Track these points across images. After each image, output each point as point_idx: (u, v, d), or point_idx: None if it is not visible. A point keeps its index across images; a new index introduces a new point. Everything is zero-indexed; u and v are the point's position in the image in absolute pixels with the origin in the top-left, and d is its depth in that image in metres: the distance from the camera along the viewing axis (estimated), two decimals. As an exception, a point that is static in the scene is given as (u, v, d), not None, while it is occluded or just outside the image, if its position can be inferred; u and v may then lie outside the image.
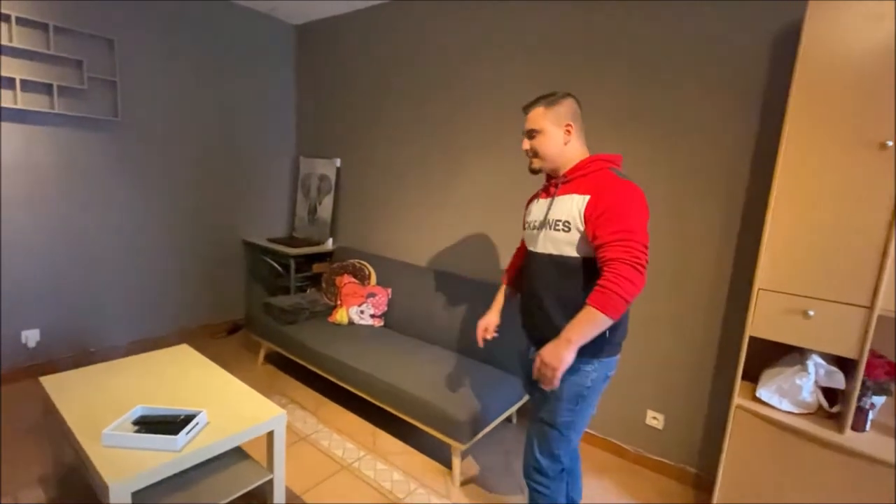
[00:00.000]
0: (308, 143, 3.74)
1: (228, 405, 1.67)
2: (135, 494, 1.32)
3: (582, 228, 1.29)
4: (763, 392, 1.64)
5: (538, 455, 1.45)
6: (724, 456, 1.68)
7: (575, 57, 2.27)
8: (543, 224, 1.40)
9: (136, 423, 1.50)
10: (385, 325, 2.92)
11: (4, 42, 2.32)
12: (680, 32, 1.98)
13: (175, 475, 1.56)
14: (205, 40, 3.13)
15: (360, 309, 2.87)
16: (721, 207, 1.96)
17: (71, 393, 1.68)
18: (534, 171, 1.45)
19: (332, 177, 3.53)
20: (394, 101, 3.09)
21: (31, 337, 2.60)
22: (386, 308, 2.93)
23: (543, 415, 1.42)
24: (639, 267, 1.19)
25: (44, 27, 2.44)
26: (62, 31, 2.50)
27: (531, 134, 1.40)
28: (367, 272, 3.05)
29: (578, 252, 1.31)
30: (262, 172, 3.62)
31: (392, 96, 3.10)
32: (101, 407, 1.59)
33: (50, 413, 1.71)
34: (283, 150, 3.75)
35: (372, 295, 2.91)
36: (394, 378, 2.21)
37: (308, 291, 3.34)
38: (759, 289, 1.58)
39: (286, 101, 3.72)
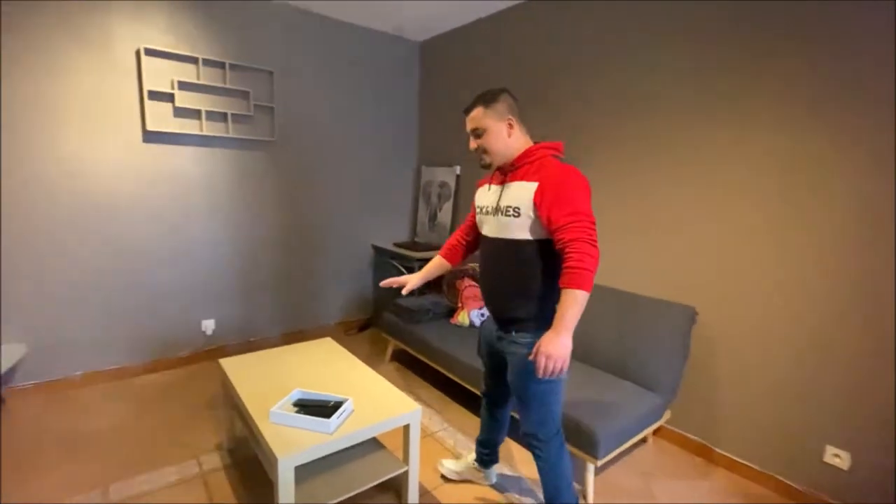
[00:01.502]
0: (429, 152, 3.90)
1: (369, 396, 1.78)
2: (296, 469, 1.46)
3: (532, 214, 1.40)
4: None
5: (530, 426, 1.55)
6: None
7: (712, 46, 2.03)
8: (496, 210, 1.50)
9: (295, 404, 1.67)
10: (506, 330, 2.89)
11: (194, 80, 2.82)
12: None
13: (323, 457, 1.71)
14: (341, 64, 3.46)
15: (481, 312, 2.88)
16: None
17: (243, 373, 1.94)
18: (486, 167, 1.54)
19: (452, 184, 3.63)
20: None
21: (208, 326, 3.10)
22: (507, 312, 2.90)
23: (524, 392, 1.52)
24: (594, 243, 1.33)
25: (221, 65, 2.91)
26: (235, 67, 2.96)
27: (476, 133, 1.49)
28: (487, 276, 3.05)
29: (532, 234, 1.42)
30: (387, 182, 3.87)
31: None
32: (266, 387, 1.81)
33: (225, 389, 2.00)
34: (406, 160, 3.97)
35: (493, 299, 2.90)
36: (520, 383, 2.16)
37: (431, 294, 3.46)
38: None
39: (410, 114, 3.93)
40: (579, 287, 1.28)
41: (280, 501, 1.42)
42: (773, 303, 1.97)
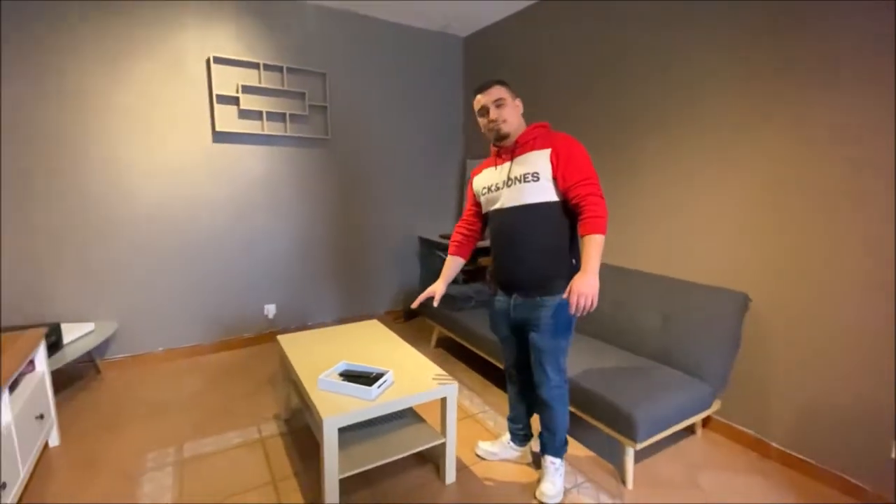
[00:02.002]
0: (474, 145, 3.97)
1: (409, 371, 1.88)
2: (340, 430, 1.59)
3: (550, 175, 1.56)
4: None
5: (552, 374, 1.70)
6: None
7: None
8: (508, 181, 1.63)
9: (341, 374, 1.81)
10: (548, 318, 2.89)
11: (256, 84, 3.08)
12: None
13: (367, 426, 1.83)
14: (388, 62, 3.61)
15: (523, 300, 2.90)
16: None
17: (297, 348, 2.11)
18: (503, 137, 1.65)
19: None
20: (558, 100, 3.06)
21: (270, 310, 3.36)
22: (549, 301, 2.90)
23: (548, 346, 1.66)
24: (602, 196, 1.53)
25: (280, 69, 3.15)
26: (292, 70, 3.19)
27: (499, 103, 1.62)
28: (530, 265, 3.07)
29: (557, 196, 1.58)
30: (433, 175, 3.98)
31: (556, 95, 3.07)
32: (317, 360, 1.96)
33: (282, 362, 2.19)
34: (451, 154, 4.06)
35: (535, 287, 2.91)
36: (559, 367, 2.17)
37: (474, 283, 3.53)
38: None
39: (455, 109, 4.02)
40: (601, 232, 1.48)
41: (325, 458, 1.55)
42: (834, 288, 1.84)
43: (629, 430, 1.79)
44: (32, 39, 2.47)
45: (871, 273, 1.74)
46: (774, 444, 2.06)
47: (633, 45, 2.54)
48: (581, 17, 2.84)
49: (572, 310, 1.43)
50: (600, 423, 1.93)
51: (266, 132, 3.14)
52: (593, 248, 1.47)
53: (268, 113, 3.14)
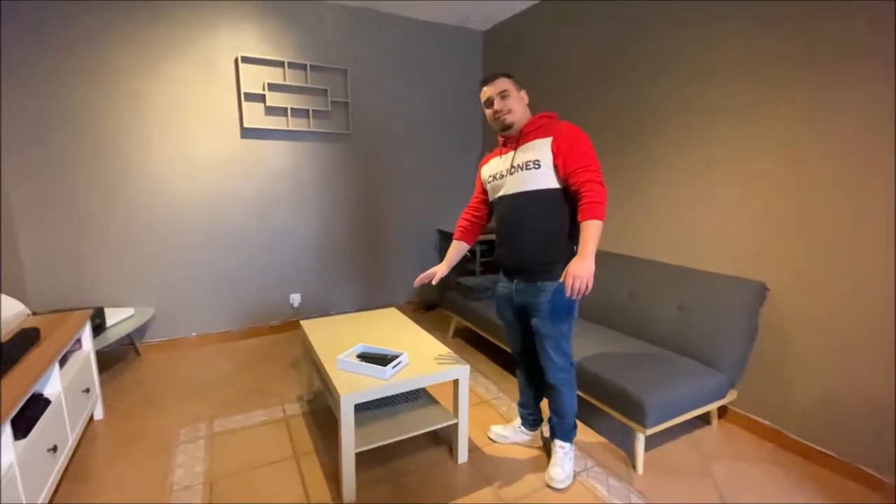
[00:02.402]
0: (492, 138, 3.98)
1: (424, 355, 1.95)
2: (357, 409, 1.68)
3: (551, 163, 1.60)
4: None
5: (556, 358, 1.74)
6: None
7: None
8: (512, 169, 1.69)
9: (358, 356, 1.90)
10: (565, 309, 2.92)
11: (281, 81, 3.20)
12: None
13: (383, 406, 1.92)
14: (408, 58, 3.68)
15: (539, 290, 2.93)
16: None
17: (319, 332, 2.22)
18: (508, 127, 1.70)
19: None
20: (575, 91, 3.07)
21: (295, 299, 3.50)
22: (566, 291, 2.92)
23: (550, 331, 1.70)
24: (603, 183, 1.56)
25: (303, 67, 3.27)
26: (315, 67, 3.30)
27: (504, 94, 1.68)
28: (547, 256, 3.10)
29: (558, 183, 1.63)
30: (452, 168, 4.03)
31: (573, 86, 3.08)
32: (337, 343, 2.06)
33: (304, 345, 2.30)
34: (470, 147, 4.10)
35: (551, 278, 2.94)
36: (574, 356, 2.20)
37: (492, 273, 3.57)
38: None
39: (474, 102, 4.05)
40: (598, 217, 1.52)
41: (342, 433, 1.64)
42: (855, 277, 1.80)
43: (639, 415, 1.82)
44: (77, 38, 2.65)
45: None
46: (792, 436, 2.04)
47: (652, 35, 2.53)
48: (599, 9, 2.84)
49: (568, 292, 1.47)
50: (611, 408, 1.96)
51: (291, 128, 3.26)
52: (591, 233, 1.50)
53: (292, 109, 3.26)
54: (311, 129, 3.34)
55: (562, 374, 1.77)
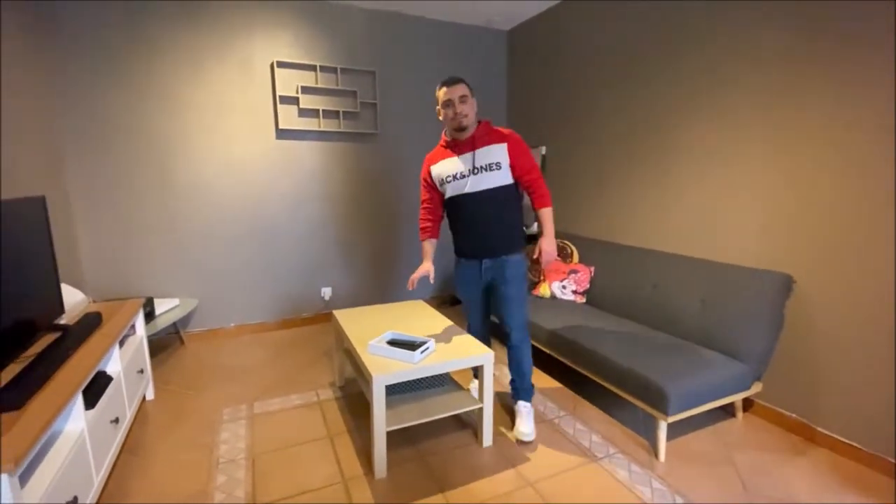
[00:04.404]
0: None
1: (451, 342, 2.05)
2: (387, 392, 1.78)
3: (508, 164, 1.95)
4: None
5: (518, 317, 2.10)
6: None
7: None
8: (474, 170, 1.96)
9: (388, 342, 2.00)
10: (587, 303, 2.96)
11: (313, 84, 3.35)
12: None
13: (412, 390, 2.02)
14: (434, 59, 3.78)
15: (562, 284, 2.99)
16: None
17: (351, 321, 2.34)
18: (463, 129, 1.95)
19: (538, 163, 3.74)
20: (598, 87, 3.10)
21: (327, 292, 3.66)
22: (588, 286, 2.96)
23: (514, 293, 2.05)
24: (543, 179, 2.02)
25: (334, 70, 3.41)
26: (345, 70, 3.45)
27: (464, 99, 1.91)
28: (569, 251, 3.14)
29: (507, 181, 1.97)
30: (478, 166, 4.10)
31: (596, 82, 3.11)
32: (368, 330, 2.17)
33: (337, 333, 2.42)
34: (495, 146, 4.16)
35: (574, 272, 2.98)
36: (596, 346, 2.25)
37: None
38: None
39: (499, 100, 4.13)
40: (549, 205, 2.01)
41: (374, 412, 1.74)
42: (886, 268, 1.79)
43: (661, 402, 1.85)
44: (122, 48, 2.87)
45: (923, 251, 1.69)
46: (820, 429, 2.03)
47: (677, 26, 2.54)
48: (622, 6, 2.86)
49: (543, 265, 1.99)
50: (633, 397, 2.00)
51: (322, 129, 3.42)
52: (548, 218, 2.00)
53: (324, 111, 3.41)
54: (342, 130, 3.49)
55: (522, 333, 2.12)
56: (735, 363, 2.06)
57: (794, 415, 2.13)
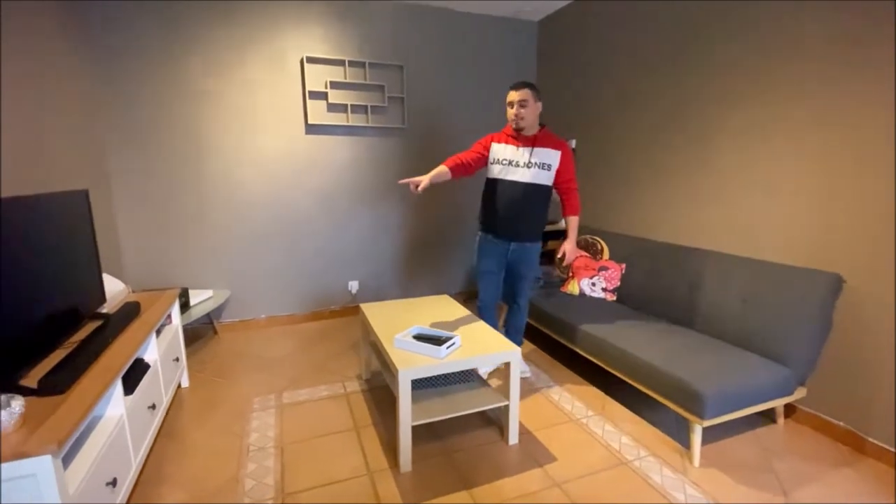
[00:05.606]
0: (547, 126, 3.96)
1: (476, 338, 2.03)
2: (413, 387, 1.77)
3: (556, 169, 2.30)
4: None
5: (527, 290, 2.50)
6: None
7: None
8: (529, 164, 2.27)
9: (415, 336, 2.00)
10: (618, 301, 2.88)
11: (342, 79, 3.37)
12: None
13: (437, 385, 2.01)
14: (463, 52, 3.74)
15: (591, 281, 2.91)
16: None
17: (377, 315, 2.35)
18: (520, 129, 2.28)
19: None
20: (630, 77, 2.99)
21: (353, 286, 3.69)
22: (619, 283, 2.88)
23: (529, 273, 2.45)
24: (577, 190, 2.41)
25: (362, 64, 3.42)
26: (373, 65, 3.45)
27: (523, 103, 2.22)
28: (599, 247, 3.06)
29: (550, 182, 2.32)
30: (505, 161, 4.05)
31: (629, 72, 3.00)
32: (394, 324, 2.18)
33: (364, 326, 2.44)
34: (524, 139, 4.10)
35: (604, 269, 2.90)
36: (627, 345, 2.19)
37: (542, 265, 3.57)
38: None
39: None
40: (578, 214, 2.41)
41: (400, 406, 1.74)
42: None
43: (696, 405, 1.78)
44: (159, 47, 2.95)
45: None
46: (870, 439, 1.91)
47: (715, 12, 2.42)
48: (659, -9, 2.75)
49: (565, 262, 2.41)
50: (667, 399, 1.93)
51: (350, 123, 3.43)
52: (575, 224, 2.40)
53: (352, 106, 3.43)
54: (370, 125, 3.50)
55: (526, 301, 2.52)
56: (777, 366, 1.96)
57: (841, 423, 2.01)
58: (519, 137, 2.30)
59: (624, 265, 2.88)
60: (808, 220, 2.08)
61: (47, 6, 2.30)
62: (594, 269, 2.92)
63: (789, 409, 2.16)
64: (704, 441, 1.95)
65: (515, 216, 2.32)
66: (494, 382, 2.44)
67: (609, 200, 3.29)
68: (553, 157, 2.27)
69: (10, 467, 1.06)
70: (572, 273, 3.02)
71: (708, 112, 2.51)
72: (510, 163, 2.29)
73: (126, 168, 2.97)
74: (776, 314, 2.05)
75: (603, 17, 3.22)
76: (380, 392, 2.44)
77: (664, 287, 2.60)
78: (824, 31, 1.96)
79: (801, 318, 1.97)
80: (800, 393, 2.04)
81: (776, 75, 2.16)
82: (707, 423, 1.79)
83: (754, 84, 2.26)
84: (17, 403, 1.16)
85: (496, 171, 2.34)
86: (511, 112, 2.25)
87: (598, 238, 3.12)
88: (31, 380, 1.36)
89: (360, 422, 2.16)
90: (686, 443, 1.96)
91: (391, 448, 1.95)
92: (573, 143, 3.61)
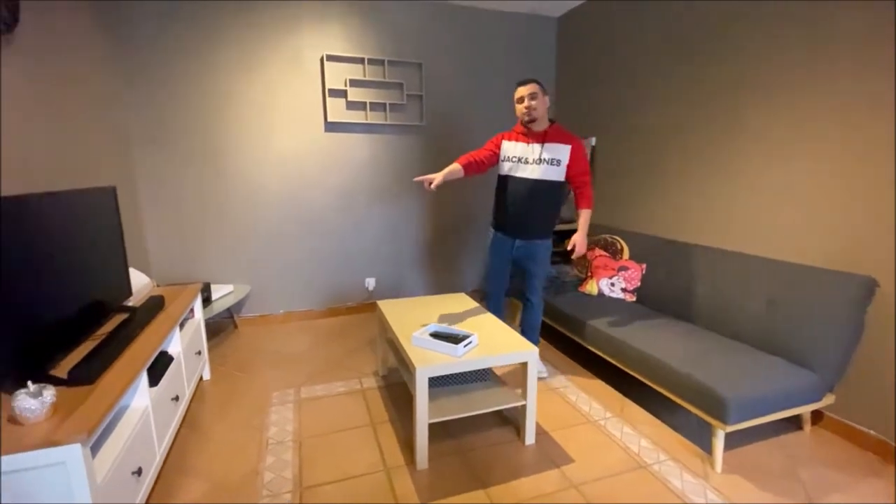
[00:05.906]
0: (566, 125, 3.90)
1: (493, 337, 2.02)
2: (430, 385, 1.78)
3: (566, 165, 2.28)
4: None
5: (538, 287, 2.49)
6: None
7: None
8: (540, 160, 2.28)
9: (431, 334, 2.00)
10: (638, 301, 2.83)
11: (361, 77, 3.39)
12: None
13: (454, 384, 2.00)
14: (481, 49, 3.72)
15: (610, 281, 2.87)
16: None
17: (395, 312, 2.36)
18: (531, 122, 2.28)
19: (588, 154, 3.60)
20: (652, 74, 2.93)
21: (370, 283, 3.72)
22: (639, 283, 2.83)
23: (539, 271, 2.45)
24: (591, 184, 2.37)
25: (381, 62, 3.43)
26: (392, 62, 3.45)
27: (533, 96, 2.24)
28: (619, 246, 3.01)
29: (561, 178, 2.31)
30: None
31: (650, 69, 2.94)
32: (411, 321, 2.18)
33: (381, 323, 2.45)
34: (542, 137, 4.06)
35: (624, 269, 2.86)
36: (647, 347, 2.15)
37: (559, 264, 3.53)
38: None
39: (548, 90, 3.99)
40: (590, 207, 2.36)
41: (417, 403, 1.75)
42: None
43: (719, 410, 1.74)
44: (182, 48, 3.01)
45: None
46: (902, 448, 1.84)
47: (739, 10, 2.35)
48: (685, -15, 2.68)
49: (574, 256, 2.33)
50: (689, 403, 1.89)
51: (369, 121, 3.45)
52: (586, 218, 2.34)
53: (371, 103, 3.44)
54: (388, 122, 3.50)
55: (538, 298, 2.51)
56: (804, 372, 1.90)
57: (871, 431, 1.94)
58: (529, 134, 2.31)
59: (644, 265, 2.84)
60: (838, 222, 2.01)
61: (81, 5, 2.36)
62: (613, 269, 2.88)
63: (816, 416, 2.10)
64: (727, 446, 1.91)
65: (524, 213, 2.35)
66: (506, 377, 2.43)
67: (629, 199, 3.24)
68: (562, 152, 2.27)
69: (40, 455, 1.10)
70: (591, 272, 2.99)
71: (730, 113, 2.44)
72: (520, 160, 2.31)
73: (151, 165, 3.04)
74: (804, 317, 1.99)
75: (622, 13, 3.16)
76: (396, 389, 2.45)
77: (685, 288, 2.55)
78: (851, 30, 1.88)
79: (831, 323, 1.91)
80: (828, 399, 1.98)
81: (799, 74, 2.09)
82: (730, 429, 1.75)
83: (776, 83, 2.19)
84: (49, 393, 1.20)
85: (506, 169, 2.37)
86: (521, 107, 2.27)
87: (617, 237, 3.07)
88: (62, 370, 1.40)
89: (376, 418, 2.18)
90: (707, 447, 1.92)
91: (407, 445, 1.96)
92: (593, 141, 3.56)
